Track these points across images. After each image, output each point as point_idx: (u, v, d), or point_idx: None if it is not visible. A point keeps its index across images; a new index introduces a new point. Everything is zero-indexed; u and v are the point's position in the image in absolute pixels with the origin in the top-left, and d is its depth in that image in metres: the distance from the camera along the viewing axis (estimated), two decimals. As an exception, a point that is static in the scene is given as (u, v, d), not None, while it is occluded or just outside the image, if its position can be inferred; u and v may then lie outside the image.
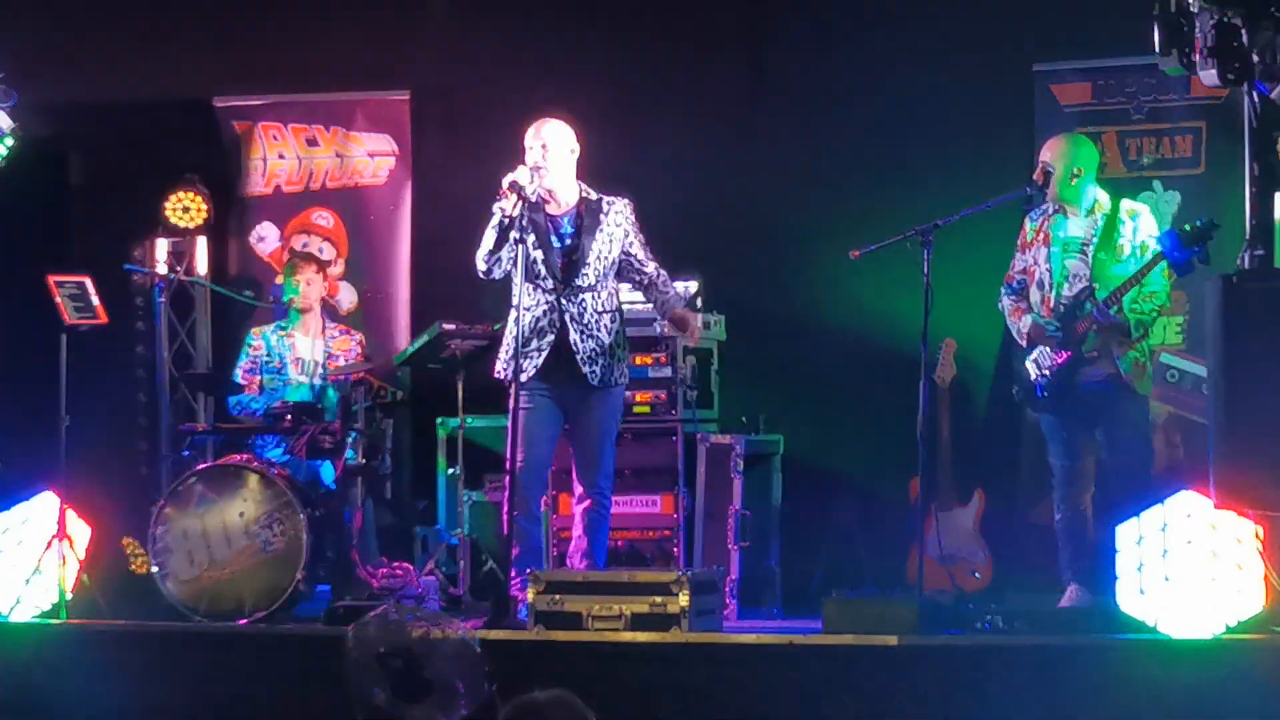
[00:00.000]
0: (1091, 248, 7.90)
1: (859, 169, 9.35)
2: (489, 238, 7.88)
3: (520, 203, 7.78)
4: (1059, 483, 7.99)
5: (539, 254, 7.92)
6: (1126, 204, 8.00)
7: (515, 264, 7.79)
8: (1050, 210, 7.98)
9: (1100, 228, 7.91)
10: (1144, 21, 6.74)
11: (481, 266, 7.94)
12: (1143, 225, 7.96)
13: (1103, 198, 7.98)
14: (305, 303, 9.08)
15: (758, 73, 9.84)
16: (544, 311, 7.93)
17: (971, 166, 8.49)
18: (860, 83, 9.47)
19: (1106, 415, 7.89)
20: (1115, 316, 7.78)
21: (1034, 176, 7.93)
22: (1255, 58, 6.54)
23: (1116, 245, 7.89)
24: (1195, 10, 6.56)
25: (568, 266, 7.95)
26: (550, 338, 7.91)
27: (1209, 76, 6.67)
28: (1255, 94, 6.78)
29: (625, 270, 8.07)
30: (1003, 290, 8.08)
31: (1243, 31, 6.50)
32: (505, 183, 7.81)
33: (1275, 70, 6.57)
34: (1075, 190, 7.92)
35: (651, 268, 8.08)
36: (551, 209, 8.01)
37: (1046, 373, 7.89)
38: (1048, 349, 7.89)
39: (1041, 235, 7.97)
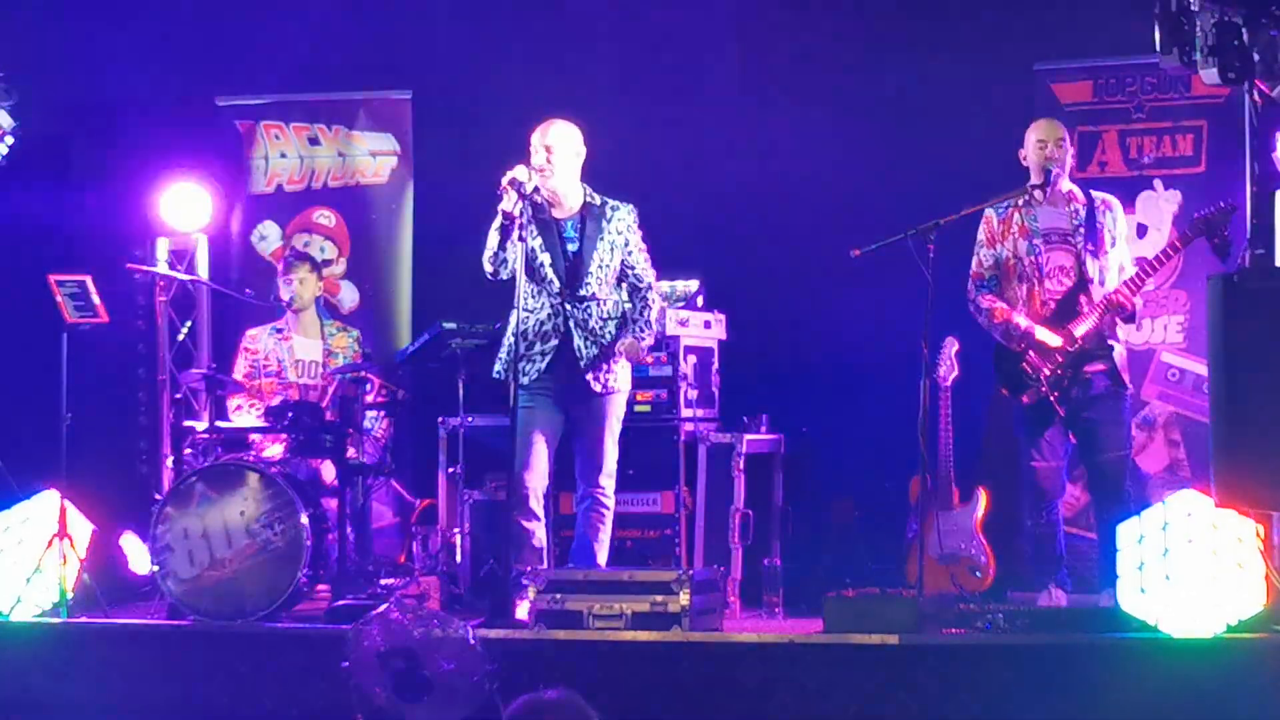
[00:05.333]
0: (1078, 238, 7.90)
1: (859, 168, 9.35)
2: (492, 239, 7.89)
3: (520, 200, 7.78)
4: (1035, 485, 7.94)
5: (546, 257, 7.92)
6: (1098, 195, 8.04)
7: (518, 264, 7.78)
8: (1019, 201, 7.96)
9: (1083, 218, 7.92)
10: (1144, 20, 6.72)
11: (488, 268, 7.94)
12: (1119, 216, 8.03)
13: (1073, 187, 8.01)
14: (301, 302, 9.09)
15: (758, 72, 9.83)
16: (549, 315, 7.93)
17: (972, 166, 8.49)
18: (860, 82, 9.47)
19: (1101, 411, 7.88)
20: (1125, 306, 7.81)
21: (1042, 164, 7.90)
22: (1256, 56, 6.53)
23: (1099, 236, 7.91)
24: (1196, 9, 6.55)
25: (571, 272, 7.95)
26: (554, 342, 7.92)
27: (1209, 75, 6.66)
28: (1256, 93, 6.77)
29: (621, 277, 8.07)
30: (975, 288, 8.01)
31: (1243, 30, 6.49)
32: (504, 180, 7.81)
33: (1276, 69, 6.56)
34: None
35: (645, 283, 8.06)
36: (556, 212, 8.01)
37: (1048, 371, 7.85)
38: (1048, 346, 7.85)
39: (1016, 227, 7.95)
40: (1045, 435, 7.92)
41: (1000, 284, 8.00)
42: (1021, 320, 7.89)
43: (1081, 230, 7.92)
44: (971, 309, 8.07)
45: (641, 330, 8.04)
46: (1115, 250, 7.98)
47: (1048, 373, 7.86)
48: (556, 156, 7.94)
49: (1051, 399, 7.86)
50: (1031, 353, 7.89)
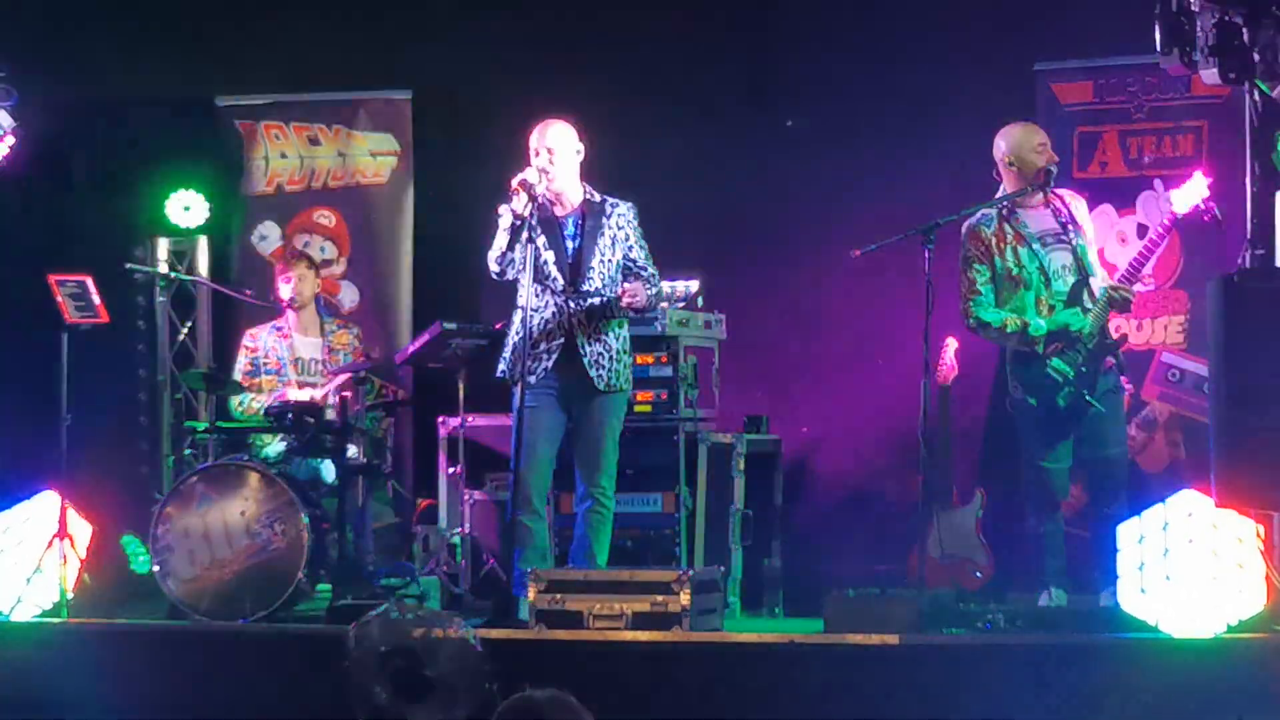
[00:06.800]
0: (1072, 236, 7.89)
1: (859, 169, 9.35)
2: (500, 239, 7.89)
3: (530, 202, 7.79)
4: (1044, 488, 7.87)
5: (549, 255, 7.93)
6: (1062, 191, 8.02)
7: (525, 264, 7.79)
8: (1004, 210, 7.92)
9: (1067, 214, 7.91)
10: (1144, 20, 6.73)
11: (494, 268, 7.95)
12: (1084, 206, 8.05)
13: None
14: (301, 300, 9.09)
15: (758, 72, 9.84)
16: (553, 314, 7.93)
17: (972, 166, 8.49)
18: (861, 82, 9.47)
19: (1109, 405, 7.86)
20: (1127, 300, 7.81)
21: (1047, 165, 7.89)
22: (1256, 56, 6.54)
23: (1080, 228, 7.92)
24: (1196, 9, 6.56)
25: (573, 269, 7.96)
26: (559, 340, 7.93)
27: (1210, 75, 6.67)
28: (1256, 93, 6.78)
29: (625, 274, 8.08)
30: (974, 306, 7.86)
31: (1244, 30, 6.50)
32: (515, 181, 7.82)
33: (1276, 69, 6.57)
34: None
35: (650, 271, 8.09)
36: (557, 210, 8.02)
37: (1073, 373, 7.78)
38: (1079, 349, 7.80)
39: (1010, 236, 7.89)
40: (1058, 436, 7.87)
41: (999, 296, 7.91)
42: (1043, 321, 7.80)
43: (1070, 226, 7.91)
44: (973, 327, 7.94)
45: (647, 283, 8.02)
46: (1092, 240, 7.98)
47: (1073, 373, 7.79)
48: (558, 157, 7.95)
49: (1086, 396, 7.79)
50: (1055, 356, 7.83)
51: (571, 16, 9.86)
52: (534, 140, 7.97)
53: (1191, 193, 7.68)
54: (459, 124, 10.09)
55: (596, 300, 7.97)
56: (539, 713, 4.29)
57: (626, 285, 7.99)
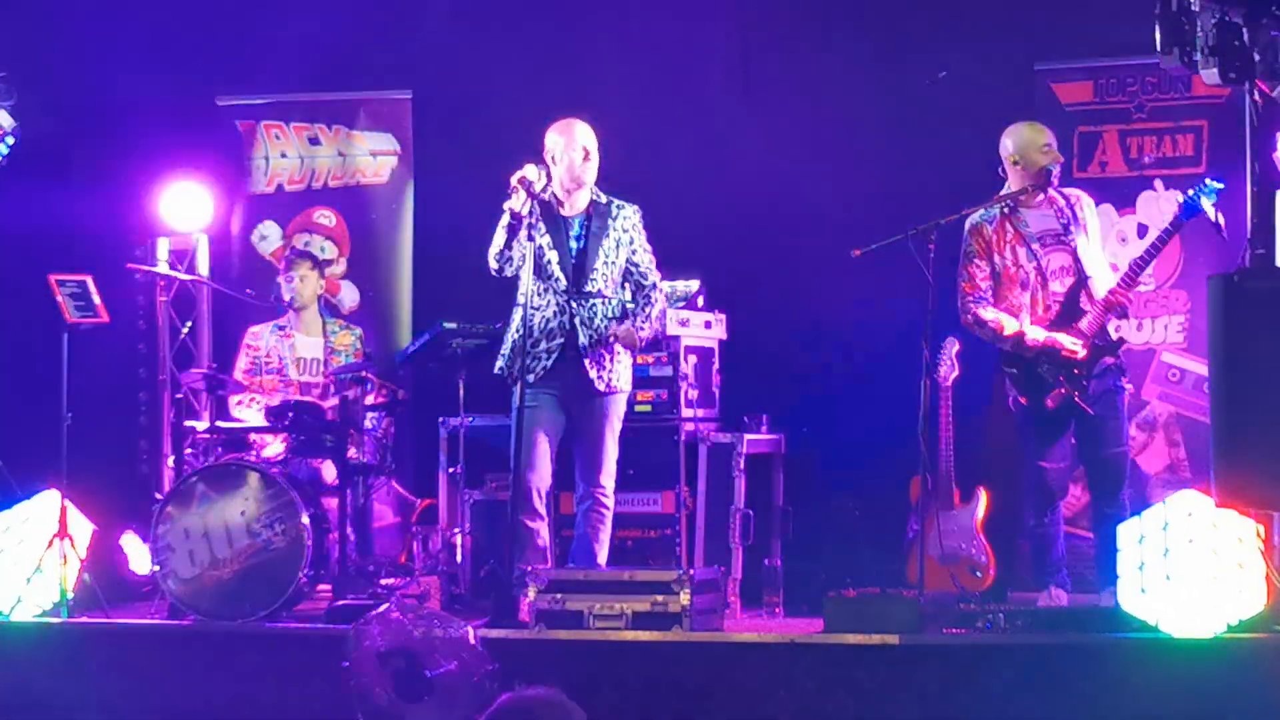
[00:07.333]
0: (1072, 238, 7.88)
1: (859, 169, 9.35)
2: (499, 236, 7.90)
3: (529, 200, 7.79)
4: (1042, 487, 7.88)
5: (554, 254, 7.94)
6: (1069, 191, 8.01)
7: (524, 262, 7.79)
8: (1006, 209, 7.91)
9: (1070, 215, 7.90)
10: (1144, 20, 6.72)
11: (493, 265, 7.96)
12: (1090, 207, 8.03)
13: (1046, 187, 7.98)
14: (301, 301, 9.09)
15: (758, 72, 9.83)
16: (554, 313, 7.94)
17: (972, 166, 8.49)
18: (861, 82, 9.47)
19: (1106, 406, 7.86)
20: (1124, 304, 7.80)
21: (1050, 165, 7.89)
22: (1256, 56, 6.53)
23: (1084, 231, 7.91)
24: (1196, 9, 6.55)
25: (577, 269, 7.97)
26: (559, 340, 7.93)
27: (1210, 75, 6.66)
28: (1256, 93, 6.77)
29: (626, 276, 8.08)
30: (972, 302, 7.88)
31: (1244, 30, 6.49)
32: (514, 179, 7.82)
33: (1276, 69, 6.56)
34: None
35: (650, 281, 8.08)
36: (564, 210, 8.02)
37: (1066, 374, 7.79)
38: (1067, 351, 7.80)
39: (1009, 234, 7.90)
40: (1057, 436, 7.86)
41: (997, 294, 7.92)
42: (1039, 333, 7.80)
43: (1071, 228, 7.91)
44: (969, 323, 7.94)
45: (641, 322, 8.04)
46: (1096, 243, 7.98)
47: (1066, 375, 7.79)
48: (592, 156, 7.97)
49: (1076, 398, 7.80)
50: (1045, 358, 7.82)
51: (571, 17, 9.86)
52: (564, 141, 7.95)
53: (1201, 200, 7.67)
54: (459, 123, 10.09)
55: (598, 301, 7.97)
56: (530, 712, 4.28)
57: (618, 328, 7.97)
